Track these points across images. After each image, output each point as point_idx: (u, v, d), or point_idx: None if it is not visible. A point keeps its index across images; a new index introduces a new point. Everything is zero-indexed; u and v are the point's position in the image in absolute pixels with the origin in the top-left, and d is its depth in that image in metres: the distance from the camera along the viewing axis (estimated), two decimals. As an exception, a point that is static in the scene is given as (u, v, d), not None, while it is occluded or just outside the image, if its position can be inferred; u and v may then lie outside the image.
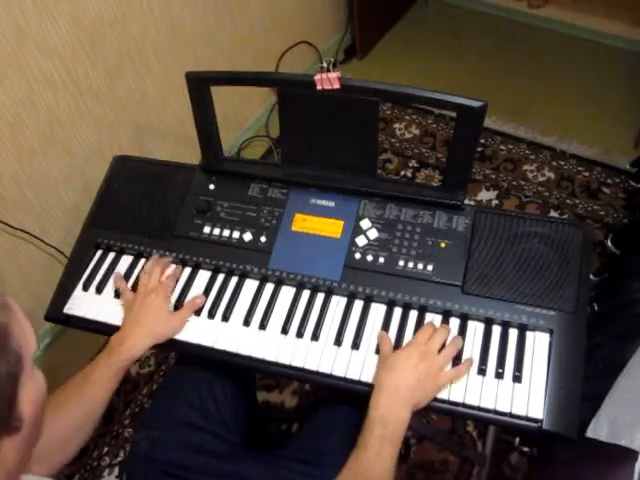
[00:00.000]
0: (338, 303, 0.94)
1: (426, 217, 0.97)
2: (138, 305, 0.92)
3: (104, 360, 0.87)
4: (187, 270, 1.01)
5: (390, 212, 0.99)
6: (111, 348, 0.88)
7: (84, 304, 1.00)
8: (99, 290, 1.01)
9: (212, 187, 1.06)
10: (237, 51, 1.90)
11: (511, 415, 0.82)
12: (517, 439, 1.38)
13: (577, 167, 1.96)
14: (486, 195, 1.91)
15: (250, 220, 1.02)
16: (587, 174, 1.94)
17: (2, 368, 0.45)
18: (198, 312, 0.96)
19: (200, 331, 0.94)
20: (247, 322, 0.94)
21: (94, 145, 1.49)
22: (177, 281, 0.99)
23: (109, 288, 1.01)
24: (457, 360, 0.86)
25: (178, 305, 0.97)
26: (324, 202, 1.01)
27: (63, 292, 1.02)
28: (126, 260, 1.04)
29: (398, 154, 2.07)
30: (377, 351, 0.88)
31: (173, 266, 1.00)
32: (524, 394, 0.83)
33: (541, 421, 0.80)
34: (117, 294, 1.00)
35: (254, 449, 0.96)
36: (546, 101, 2.17)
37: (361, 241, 0.97)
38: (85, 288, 1.02)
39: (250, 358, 0.91)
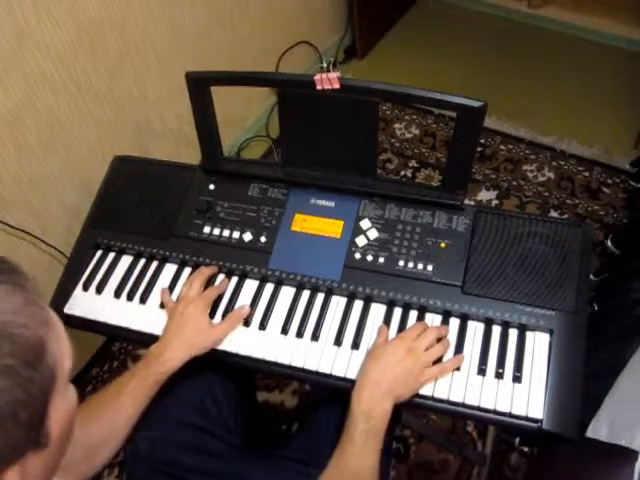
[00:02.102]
0: (338, 303, 0.94)
1: (426, 217, 0.97)
2: (178, 316, 0.90)
3: (141, 372, 0.85)
4: (187, 270, 1.02)
5: (390, 212, 0.99)
6: (149, 360, 0.86)
7: (84, 304, 1.00)
8: (99, 290, 1.01)
9: (212, 187, 1.06)
10: (237, 51, 1.90)
11: (511, 415, 0.82)
12: (517, 439, 1.38)
13: (577, 167, 1.96)
14: (486, 195, 1.91)
15: (250, 220, 1.02)
16: (587, 174, 1.94)
17: (36, 382, 0.44)
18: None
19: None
20: (247, 322, 0.94)
21: (94, 145, 1.49)
22: (223, 293, 0.97)
23: (109, 288, 1.01)
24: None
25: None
26: (324, 202, 1.01)
27: (63, 292, 1.02)
28: (126, 260, 1.04)
29: (398, 154, 2.07)
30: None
31: (221, 276, 0.99)
32: (524, 394, 0.83)
33: (541, 421, 0.81)
34: (118, 295, 1.00)
35: (254, 449, 0.96)
36: (546, 101, 2.17)
37: (361, 241, 0.97)
38: (85, 288, 1.02)
39: (250, 358, 0.91)
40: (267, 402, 1.53)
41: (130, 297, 0.99)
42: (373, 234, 0.97)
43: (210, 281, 0.99)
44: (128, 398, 0.83)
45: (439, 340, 0.86)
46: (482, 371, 0.85)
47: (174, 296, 0.98)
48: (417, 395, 0.84)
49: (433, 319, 0.91)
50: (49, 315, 0.48)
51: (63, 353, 0.49)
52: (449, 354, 0.87)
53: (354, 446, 0.76)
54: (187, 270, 1.01)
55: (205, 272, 0.97)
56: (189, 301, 0.92)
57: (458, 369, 0.85)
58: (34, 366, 0.44)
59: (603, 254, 1.70)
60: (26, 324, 0.44)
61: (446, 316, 0.91)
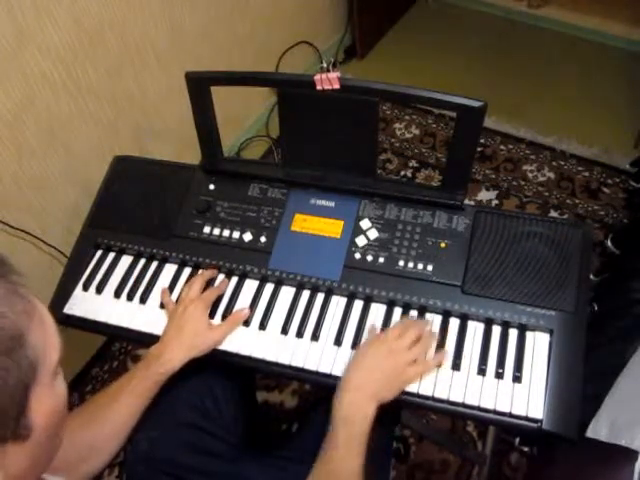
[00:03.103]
0: (338, 303, 0.94)
1: (426, 217, 0.97)
2: (178, 318, 0.90)
3: (141, 372, 0.85)
4: (187, 270, 1.02)
5: (390, 212, 0.99)
6: (149, 360, 0.86)
7: (84, 304, 1.00)
8: (99, 290, 1.01)
9: (212, 187, 1.06)
10: (237, 51, 1.90)
11: (511, 415, 0.82)
12: (517, 439, 1.38)
13: (577, 167, 1.96)
14: (486, 195, 1.91)
15: (250, 220, 1.02)
16: (587, 174, 1.94)
17: (11, 371, 0.44)
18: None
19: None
20: (247, 322, 0.94)
21: (94, 145, 1.49)
22: (223, 294, 0.97)
23: (109, 288, 1.01)
24: (457, 360, 0.86)
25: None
26: (324, 202, 1.01)
27: (63, 292, 1.02)
28: (126, 260, 1.04)
29: (398, 154, 2.07)
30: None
31: (221, 277, 0.99)
32: (524, 394, 0.83)
33: (541, 421, 0.80)
34: (118, 295, 1.00)
35: (254, 449, 0.96)
36: (546, 101, 2.17)
37: (361, 241, 0.97)
38: (85, 288, 1.02)
39: (250, 358, 0.91)
40: (267, 402, 1.53)
41: (130, 297, 0.99)
42: (373, 234, 0.97)
43: (210, 282, 0.99)
44: (128, 399, 0.83)
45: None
46: (482, 371, 0.85)
47: (174, 296, 0.98)
48: (417, 395, 0.84)
49: (433, 319, 0.91)
50: (32, 306, 0.48)
51: (48, 345, 0.48)
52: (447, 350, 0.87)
53: (338, 451, 0.76)
54: (187, 270, 1.01)
55: (205, 275, 0.97)
56: (189, 302, 0.92)
57: (457, 368, 0.85)
58: (10, 355, 0.44)
59: (603, 254, 1.70)
60: (4, 313, 0.44)
61: (446, 316, 0.91)
